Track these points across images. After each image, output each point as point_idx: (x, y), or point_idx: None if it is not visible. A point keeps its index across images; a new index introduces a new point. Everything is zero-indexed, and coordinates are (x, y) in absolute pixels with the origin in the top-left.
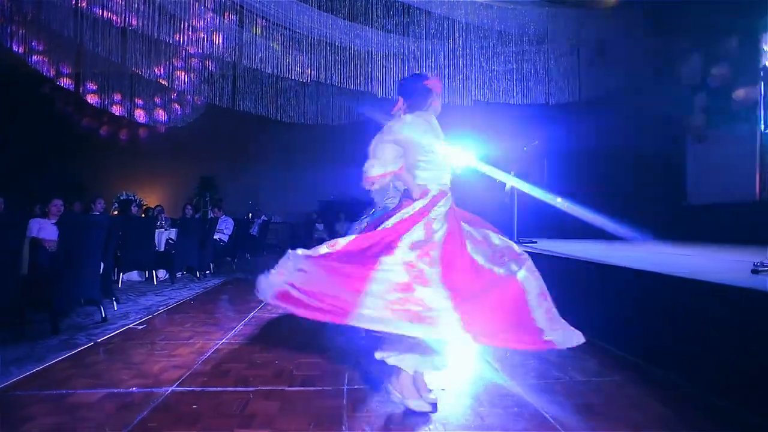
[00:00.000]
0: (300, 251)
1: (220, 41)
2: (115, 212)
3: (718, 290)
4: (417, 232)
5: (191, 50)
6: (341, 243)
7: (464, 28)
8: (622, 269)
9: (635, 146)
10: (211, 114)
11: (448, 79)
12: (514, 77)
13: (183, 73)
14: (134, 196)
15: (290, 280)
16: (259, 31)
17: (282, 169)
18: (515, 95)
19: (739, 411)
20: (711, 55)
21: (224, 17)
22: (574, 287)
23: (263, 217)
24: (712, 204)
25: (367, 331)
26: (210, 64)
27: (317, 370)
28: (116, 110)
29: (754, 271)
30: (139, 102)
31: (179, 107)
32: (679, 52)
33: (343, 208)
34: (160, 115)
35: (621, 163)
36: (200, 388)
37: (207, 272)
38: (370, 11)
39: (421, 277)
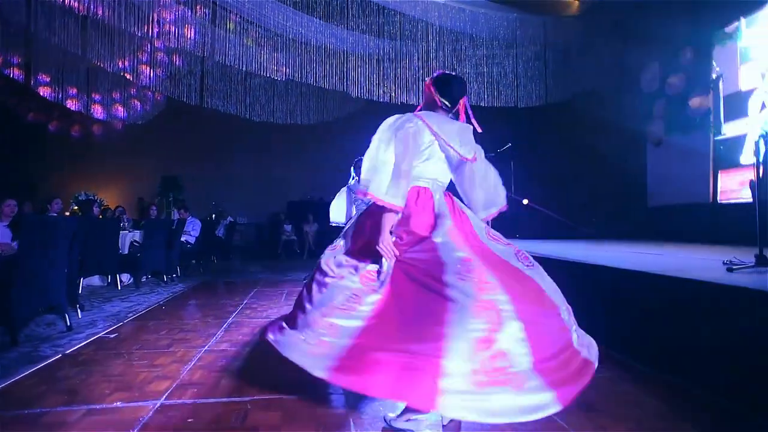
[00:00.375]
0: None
1: (192, 35)
2: (67, 213)
3: (705, 288)
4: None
5: (158, 44)
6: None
7: (437, 30)
8: (603, 268)
9: (599, 150)
10: (174, 111)
11: (422, 81)
12: (485, 80)
13: (147, 68)
14: (94, 196)
15: (337, 351)
16: (232, 27)
17: (248, 169)
18: (486, 97)
19: (733, 406)
20: (668, 65)
21: (196, 11)
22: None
23: (229, 219)
24: (670, 206)
25: None
26: (177, 59)
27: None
28: (71, 105)
29: (729, 269)
30: (97, 97)
31: (139, 103)
32: (639, 61)
33: (312, 209)
34: (119, 111)
35: (585, 166)
36: (192, 401)
37: (174, 276)
38: (345, 11)
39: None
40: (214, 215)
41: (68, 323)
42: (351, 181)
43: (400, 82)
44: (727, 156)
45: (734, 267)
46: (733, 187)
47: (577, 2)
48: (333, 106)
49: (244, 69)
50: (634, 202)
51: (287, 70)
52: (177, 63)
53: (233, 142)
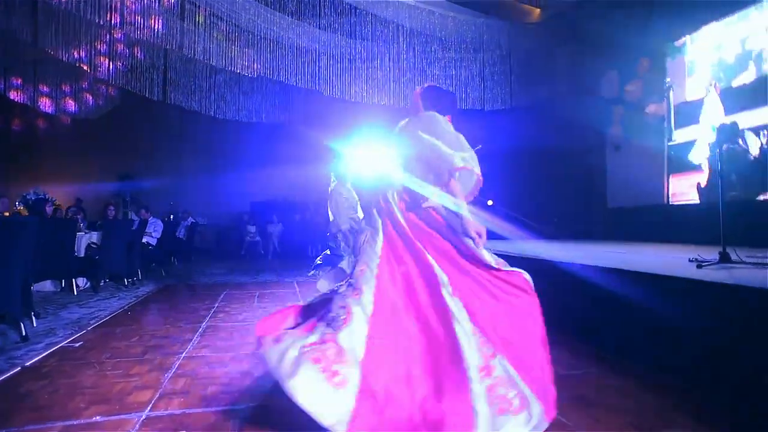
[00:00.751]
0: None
1: (158, 26)
2: (6, 213)
3: (683, 284)
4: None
5: (119, 34)
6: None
7: (408, 32)
8: (578, 266)
9: (562, 153)
10: (130, 106)
11: (393, 81)
12: (453, 83)
13: (106, 60)
14: (46, 195)
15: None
16: (201, 20)
17: (210, 168)
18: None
19: (721, 398)
20: (626, 73)
21: (162, 2)
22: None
23: (190, 219)
24: (628, 206)
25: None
26: (138, 51)
27: None
28: (15, 96)
29: (699, 266)
30: (45, 89)
31: (92, 97)
32: (599, 68)
33: (276, 210)
34: (70, 104)
35: (548, 169)
36: (180, 411)
37: (135, 279)
38: (317, 9)
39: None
40: (172, 216)
41: (23, 332)
42: (333, 185)
43: (372, 82)
44: (678, 160)
45: (703, 264)
46: (683, 190)
47: (537, 10)
48: (299, 105)
49: (213, 63)
50: (594, 203)
51: (258, 66)
52: (139, 56)
53: (195, 139)
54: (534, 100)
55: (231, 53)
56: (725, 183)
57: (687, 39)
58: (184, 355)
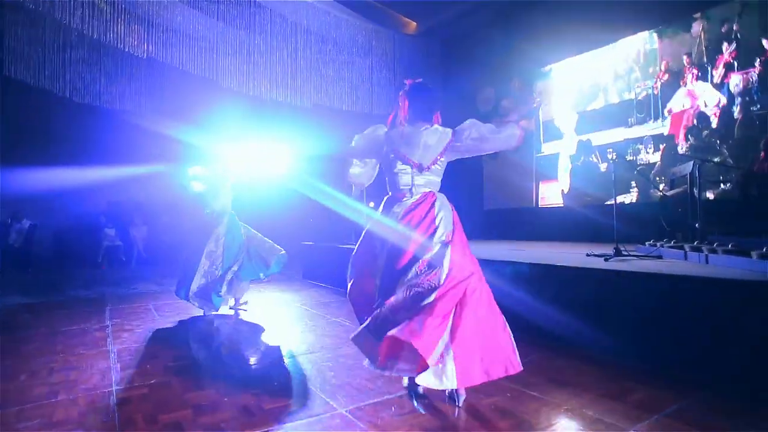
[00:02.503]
0: None
1: None
2: None
3: (600, 274)
4: None
5: None
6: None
7: (305, 29)
8: (506, 263)
9: None
10: None
11: (291, 78)
12: (346, 84)
13: None
14: None
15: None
16: None
17: (52, 160)
18: (347, 101)
19: (655, 370)
20: (501, 91)
21: None
22: None
23: (27, 222)
24: (502, 209)
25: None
26: None
27: (252, 399)
28: None
29: (606, 260)
30: None
31: None
32: (477, 84)
33: (140, 211)
34: None
35: None
36: None
37: None
38: None
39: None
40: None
41: None
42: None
43: (270, 76)
44: (546, 169)
45: (608, 258)
46: (550, 195)
47: (414, 23)
48: (174, 96)
49: (95, 37)
50: (472, 206)
51: (150, 47)
52: None
53: (36, 125)
54: None
55: (118, 28)
56: (617, 188)
57: (552, 66)
58: (118, 387)
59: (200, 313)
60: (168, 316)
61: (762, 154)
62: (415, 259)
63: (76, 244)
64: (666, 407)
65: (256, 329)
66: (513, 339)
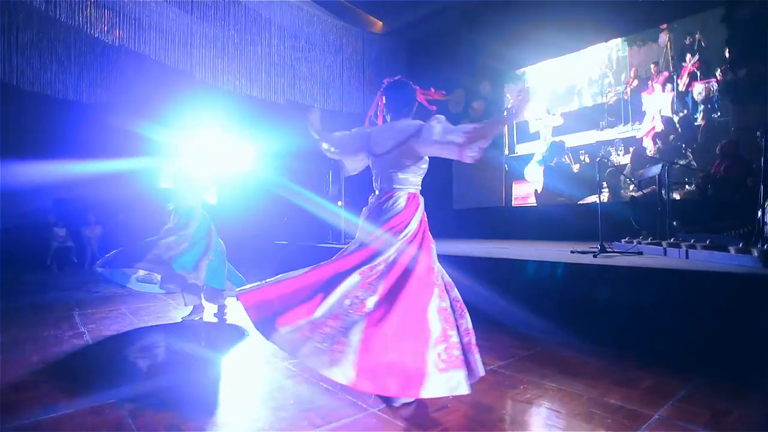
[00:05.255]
0: None
1: None
2: None
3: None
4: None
5: None
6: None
7: (279, 24)
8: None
9: None
10: None
11: (266, 74)
12: (318, 81)
13: None
14: None
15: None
16: None
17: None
18: (318, 98)
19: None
20: (472, 92)
21: None
22: None
23: None
24: (472, 208)
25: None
26: None
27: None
28: None
29: (595, 256)
30: None
31: None
32: (447, 85)
33: (93, 209)
34: None
35: None
36: None
37: None
38: None
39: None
40: None
41: None
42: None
43: (244, 71)
44: (518, 170)
45: (597, 254)
46: (524, 194)
47: (380, 23)
48: (134, 86)
49: (63, 20)
50: (441, 205)
51: (121, 33)
52: None
53: None
54: None
55: (88, 11)
56: (600, 189)
57: (526, 69)
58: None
59: (179, 317)
60: (144, 318)
61: (718, 158)
62: (370, 257)
63: (21, 245)
64: (677, 392)
65: (241, 332)
66: (436, 364)
